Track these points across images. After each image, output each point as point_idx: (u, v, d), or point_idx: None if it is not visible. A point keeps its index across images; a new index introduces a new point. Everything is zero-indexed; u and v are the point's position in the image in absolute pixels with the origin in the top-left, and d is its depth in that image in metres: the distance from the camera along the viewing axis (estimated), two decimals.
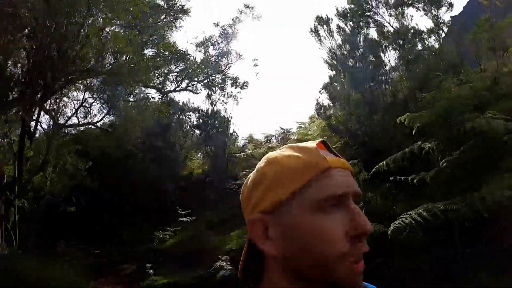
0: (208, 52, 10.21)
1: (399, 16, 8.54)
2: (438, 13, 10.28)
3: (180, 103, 12.28)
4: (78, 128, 8.47)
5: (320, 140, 0.60)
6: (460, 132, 3.43)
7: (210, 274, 5.99)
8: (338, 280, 0.50)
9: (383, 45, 7.50)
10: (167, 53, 8.50)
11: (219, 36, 10.21)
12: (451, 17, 10.64)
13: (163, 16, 8.72)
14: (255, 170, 0.59)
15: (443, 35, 10.40)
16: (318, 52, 8.48)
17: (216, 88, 11.36)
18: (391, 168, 4.36)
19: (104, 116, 8.39)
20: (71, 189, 7.39)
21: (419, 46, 10.05)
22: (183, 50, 9.35)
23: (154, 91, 10.10)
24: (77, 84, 8.05)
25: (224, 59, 10.36)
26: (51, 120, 7.45)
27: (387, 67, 7.16)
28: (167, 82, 9.93)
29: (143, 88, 9.40)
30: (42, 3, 4.13)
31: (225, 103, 11.77)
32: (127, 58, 7.66)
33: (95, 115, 7.77)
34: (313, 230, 0.51)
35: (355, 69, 6.91)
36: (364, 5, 6.80)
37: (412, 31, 8.24)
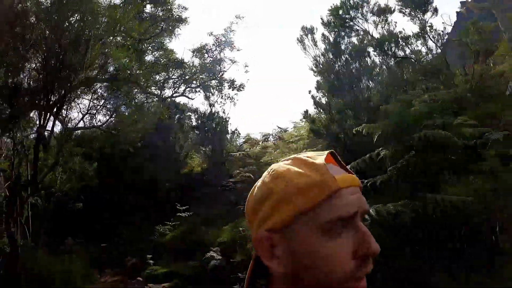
0: (204, 59, 10.82)
1: (382, 23, 9.00)
2: (424, 18, 10.67)
3: (181, 104, 12.99)
4: (84, 131, 9.18)
5: (328, 152, 0.59)
6: (409, 143, 3.97)
7: (202, 264, 6.67)
8: None
9: (366, 52, 7.99)
10: (165, 60, 9.12)
11: (213, 45, 10.85)
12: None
13: (161, 26, 9.31)
14: (261, 182, 0.58)
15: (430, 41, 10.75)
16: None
17: (214, 90, 12.01)
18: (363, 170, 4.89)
19: (108, 120, 9.05)
20: (78, 189, 8.12)
21: (407, 51, 10.47)
22: (180, 58, 9.99)
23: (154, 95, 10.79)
24: (84, 89, 8.68)
25: (218, 66, 10.98)
26: (61, 125, 8.12)
27: (367, 74, 7.64)
28: (165, 89, 10.62)
29: (143, 94, 10.08)
30: (47, 30, 4.75)
31: (223, 103, 12.45)
32: (128, 65, 8.32)
33: (99, 120, 8.42)
34: (320, 252, 0.50)
35: (337, 75, 7.42)
36: (345, 15, 7.27)
37: (394, 38, 8.69)
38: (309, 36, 7.58)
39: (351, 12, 7.33)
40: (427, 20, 10.47)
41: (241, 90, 12.13)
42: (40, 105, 6.13)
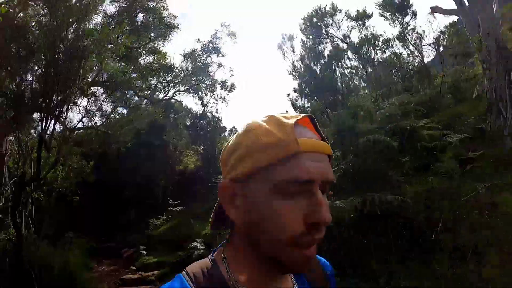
0: (194, 63, 11.44)
1: (360, 28, 9.49)
2: (403, 21, 11.11)
3: (176, 103, 13.67)
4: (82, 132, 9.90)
5: (306, 115, 0.58)
6: (352, 148, 4.54)
7: (188, 254, 7.34)
8: (286, 263, 0.52)
9: (342, 58, 8.52)
10: (157, 65, 9.76)
11: (201, 51, 11.47)
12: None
13: (151, 35, 9.94)
14: (236, 135, 0.59)
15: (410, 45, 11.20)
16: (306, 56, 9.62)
17: (207, 91, 12.65)
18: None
19: (105, 121, 9.72)
20: (78, 185, 8.84)
21: (387, 53, 10.93)
22: (171, 63, 10.62)
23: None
24: (82, 94, 9.31)
25: (206, 70, 11.60)
26: (61, 126, 8.79)
27: (342, 78, 8.18)
28: (156, 92, 11.30)
29: (138, 98, 10.77)
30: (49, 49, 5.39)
31: (216, 103, 13.09)
32: (122, 70, 8.99)
33: (96, 122, 9.10)
34: (270, 210, 0.51)
35: (314, 79, 7.99)
36: (319, 23, 7.79)
37: (372, 42, 9.19)
38: (288, 42, 8.15)
39: (325, 19, 7.84)
40: (408, 23, 10.93)
41: (232, 91, 12.74)
42: (42, 108, 6.80)
